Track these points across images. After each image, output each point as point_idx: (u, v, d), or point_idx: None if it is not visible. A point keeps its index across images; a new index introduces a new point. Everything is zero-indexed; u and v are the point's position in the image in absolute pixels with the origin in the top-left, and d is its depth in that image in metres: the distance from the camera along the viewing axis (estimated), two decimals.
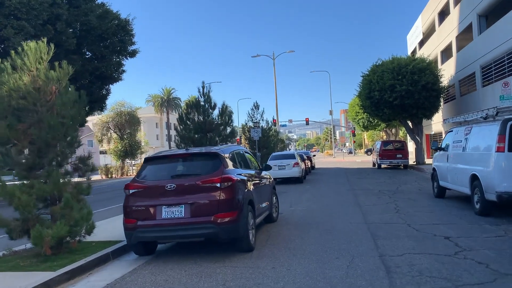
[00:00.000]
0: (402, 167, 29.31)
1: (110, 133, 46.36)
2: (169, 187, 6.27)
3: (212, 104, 15.02)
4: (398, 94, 27.15)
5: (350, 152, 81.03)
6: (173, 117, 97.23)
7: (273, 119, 39.65)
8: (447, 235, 7.30)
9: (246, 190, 6.81)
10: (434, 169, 12.96)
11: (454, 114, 30.47)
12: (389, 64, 28.62)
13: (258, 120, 27.04)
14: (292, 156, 20.55)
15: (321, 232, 8.08)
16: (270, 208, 8.99)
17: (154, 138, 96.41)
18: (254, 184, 7.56)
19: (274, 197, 9.47)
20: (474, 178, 9.42)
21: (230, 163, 6.84)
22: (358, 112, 46.72)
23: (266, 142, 27.12)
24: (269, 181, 9.19)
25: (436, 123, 35.67)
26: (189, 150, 7.26)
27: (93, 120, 52.21)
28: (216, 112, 15.38)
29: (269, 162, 20.07)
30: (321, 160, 54.68)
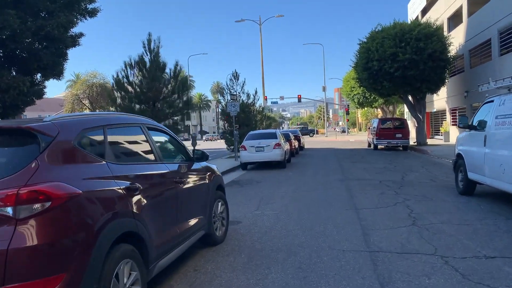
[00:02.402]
0: (401, 148, 25.82)
1: (82, 107, 42.25)
2: None
3: (161, 63, 11.23)
4: (400, 64, 23.41)
5: (343, 131, 77.55)
6: None
7: (260, 95, 35.80)
8: None
9: (116, 215, 3.14)
10: (459, 156, 9.38)
11: (461, 89, 26.81)
12: (391, 29, 24.77)
13: (237, 93, 23.22)
14: (273, 136, 16.87)
15: (290, 277, 4.47)
16: (207, 225, 5.34)
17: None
18: (157, 195, 3.91)
19: (218, 205, 5.83)
20: None
21: (76, 154, 3.09)
22: (354, 87, 42.90)
23: (247, 119, 23.38)
24: (207, 179, 5.50)
25: (439, 100, 32.08)
26: None
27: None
28: (179, 80, 11.63)
29: (245, 143, 16.41)
30: (312, 140, 51.13)
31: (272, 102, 72.71)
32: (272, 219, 7.24)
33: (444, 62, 24.07)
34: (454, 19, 29.23)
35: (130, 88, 11.16)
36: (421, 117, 27.35)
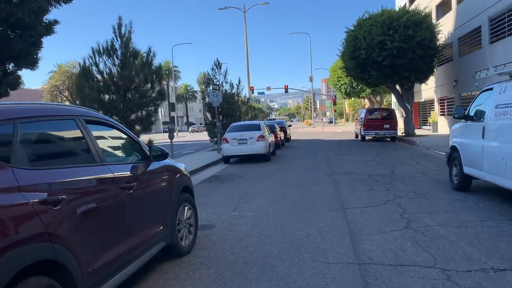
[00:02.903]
0: (389, 139, 25.26)
1: (61, 98, 40.82)
2: None
3: (131, 48, 10.30)
4: (389, 52, 22.72)
5: (331, 122, 77.10)
6: None
7: (245, 85, 34.90)
8: None
9: (18, 241, 2.31)
10: (453, 149, 8.69)
11: (450, 79, 26.29)
12: (379, 17, 24.05)
13: (220, 82, 22.29)
14: (256, 127, 16.07)
15: None
16: (168, 235, 4.53)
17: None
18: (92, 207, 3.09)
19: (184, 210, 5.01)
20: None
21: None
22: (341, 77, 42.20)
23: (231, 110, 22.50)
24: (168, 181, 4.66)
25: (427, 89, 31.58)
26: None
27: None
28: (152, 68, 10.71)
29: (227, 135, 15.59)
30: (299, 131, 50.47)
31: (259, 93, 71.90)
32: (249, 222, 6.47)
33: (433, 50, 23.46)
34: (443, 7, 28.63)
35: (99, 77, 10.23)
36: (409, 107, 26.80)
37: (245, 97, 31.07)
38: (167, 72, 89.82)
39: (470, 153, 7.76)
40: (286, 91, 61.65)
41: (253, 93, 59.46)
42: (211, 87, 20.88)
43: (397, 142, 23.96)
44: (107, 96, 10.00)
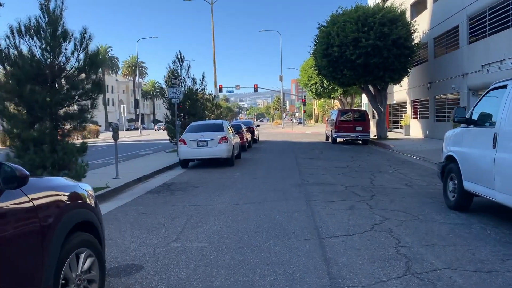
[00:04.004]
0: (361, 143, 24.02)
1: None
2: None
3: (60, 29, 8.29)
4: (363, 50, 21.43)
5: (300, 123, 76.10)
6: (111, 79, 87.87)
7: (211, 81, 32.95)
8: None
9: None
10: (449, 159, 7.22)
11: (424, 81, 25.35)
12: (353, 13, 22.73)
13: (182, 77, 20.29)
14: (218, 128, 14.25)
15: None
16: None
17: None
18: None
19: (79, 260, 3.12)
20: None
21: None
22: (311, 77, 40.93)
23: (194, 107, 20.55)
24: (40, 218, 2.74)
25: (399, 91, 30.70)
26: None
27: None
28: (89, 54, 8.71)
29: (185, 136, 13.72)
30: (268, 131, 48.92)
31: (228, 92, 70.08)
32: (193, 261, 4.68)
33: (408, 50, 22.34)
34: (418, 6, 27.73)
35: (21, 63, 8.18)
36: (382, 109, 25.68)
37: (210, 94, 29.15)
38: (133, 68, 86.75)
39: (474, 166, 6.27)
40: (256, 90, 60.12)
41: (221, 91, 57.63)
42: (170, 82, 18.92)
43: (370, 146, 22.74)
44: (30, 86, 7.98)
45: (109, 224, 6.44)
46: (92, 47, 8.73)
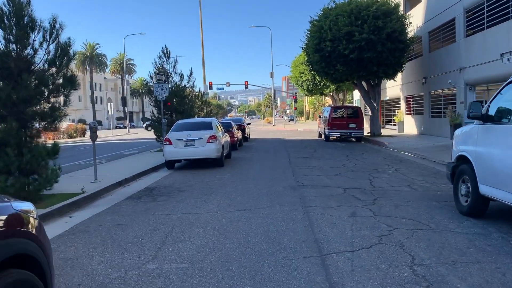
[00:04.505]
0: (354, 140, 23.35)
1: None
2: None
3: (26, 18, 7.40)
4: (356, 44, 20.71)
5: (291, 120, 75.34)
6: (99, 77, 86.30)
7: (200, 77, 31.98)
8: None
9: None
10: (461, 159, 6.49)
11: (418, 76, 24.74)
12: (346, 6, 22.01)
13: (169, 73, 19.38)
14: (207, 126, 13.41)
15: None
16: None
17: (76, 99, 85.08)
18: None
19: None
20: None
21: None
22: (303, 72, 40.16)
23: (182, 104, 19.66)
24: None
25: (392, 87, 30.07)
26: None
27: None
28: (60, 46, 7.83)
29: (171, 135, 12.88)
30: (259, 129, 48.14)
31: (218, 89, 69.03)
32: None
33: (403, 44, 21.67)
34: (411, 0, 27.06)
35: None
36: (375, 105, 25.03)
37: (199, 91, 28.23)
38: (121, 65, 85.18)
39: (493, 168, 5.54)
40: (246, 87, 59.24)
41: (211, 88, 56.66)
42: (158, 78, 18.01)
43: (364, 143, 22.07)
44: None
45: (77, 239, 5.61)
46: (63, 37, 7.85)
